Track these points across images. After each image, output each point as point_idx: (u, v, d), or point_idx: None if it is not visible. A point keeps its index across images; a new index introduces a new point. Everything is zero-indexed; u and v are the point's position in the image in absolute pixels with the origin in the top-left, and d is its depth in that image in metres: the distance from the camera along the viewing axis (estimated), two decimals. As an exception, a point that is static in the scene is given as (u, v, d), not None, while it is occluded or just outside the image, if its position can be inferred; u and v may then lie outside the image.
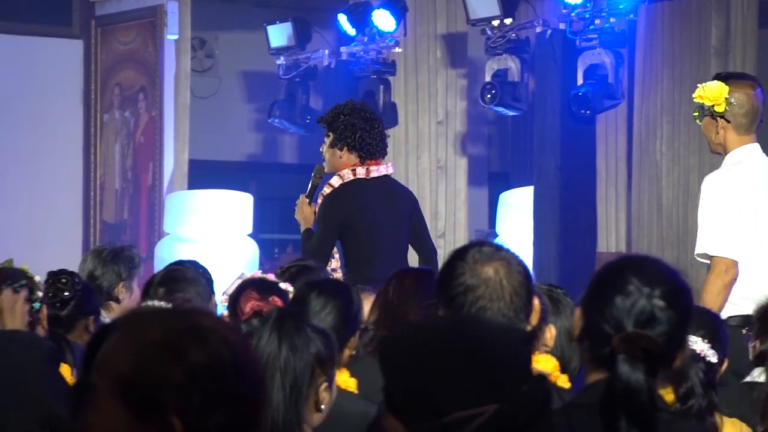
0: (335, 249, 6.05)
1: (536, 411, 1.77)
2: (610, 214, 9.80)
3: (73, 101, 9.80)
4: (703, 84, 4.90)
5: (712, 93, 4.82)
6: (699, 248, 4.84)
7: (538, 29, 8.05)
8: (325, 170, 6.21)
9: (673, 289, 2.26)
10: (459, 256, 2.62)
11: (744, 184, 4.84)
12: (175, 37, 9.06)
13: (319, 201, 6.11)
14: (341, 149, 6.08)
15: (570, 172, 7.95)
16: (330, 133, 6.12)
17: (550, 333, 3.12)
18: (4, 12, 9.74)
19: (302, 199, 6.21)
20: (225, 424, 1.64)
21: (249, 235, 8.67)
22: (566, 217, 7.91)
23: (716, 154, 5.08)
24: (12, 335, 2.55)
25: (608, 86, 7.72)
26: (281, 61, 9.26)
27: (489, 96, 8.08)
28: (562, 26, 7.89)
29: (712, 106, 4.83)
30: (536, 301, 2.61)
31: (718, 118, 4.83)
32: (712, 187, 4.84)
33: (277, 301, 3.53)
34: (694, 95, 4.93)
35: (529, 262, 7.75)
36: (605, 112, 8.34)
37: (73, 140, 9.77)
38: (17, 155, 9.58)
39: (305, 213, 6.16)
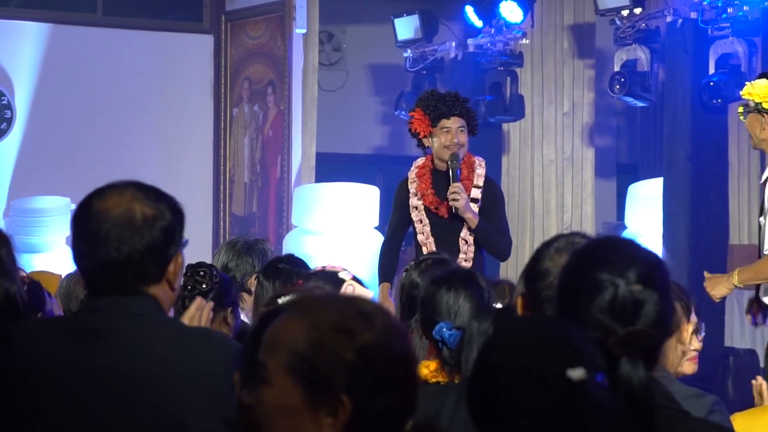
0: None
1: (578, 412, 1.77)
2: (743, 206, 9.61)
3: (203, 95, 9.95)
4: (752, 81, 5.03)
5: (762, 90, 4.95)
6: None
7: (669, 18, 7.93)
8: (461, 155, 6.07)
9: (644, 267, 2.11)
10: (547, 243, 2.54)
11: None
12: (303, 30, 9.14)
13: (483, 188, 6.00)
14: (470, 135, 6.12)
15: (701, 164, 7.82)
16: (470, 121, 6.10)
17: (686, 332, 3.06)
18: (137, 8, 9.94)
19: (461, 186, 5.96)
20: (392, 405, 1.70)
21: (375, 228, 8.71)
22: (697, 210, 7.78)
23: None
24: (208, 333, 2.62)
25: (741, 75, 7.56)
26: (408, 53, 9.28)
27: (618, 86, 7.99)
28: (693, 15, 7.76)
29: (761, 102, 4.95)
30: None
31: (765, 115, 4.96)
32: None
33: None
34: (742, 92, 5.08)
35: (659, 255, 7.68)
36: (738, 102, 8.18)
37: (203, 134, 9.93)
38: (148, 149, 9.77)
39: (464, 200, 5.95)
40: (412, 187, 6.12)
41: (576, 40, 9.54)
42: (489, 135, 8.98)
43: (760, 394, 3.62)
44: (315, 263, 4.66)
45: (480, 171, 6.04)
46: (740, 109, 5.08)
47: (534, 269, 2.49)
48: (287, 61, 9.29)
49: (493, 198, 6.05)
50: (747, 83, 5.03)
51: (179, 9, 10.22)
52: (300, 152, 9.23)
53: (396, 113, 9.43)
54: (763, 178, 5.07)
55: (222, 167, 9.86)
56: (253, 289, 4.64)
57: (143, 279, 2.47)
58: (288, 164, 9.31)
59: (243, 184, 9.73)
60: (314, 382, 1.69)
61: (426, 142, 6.07)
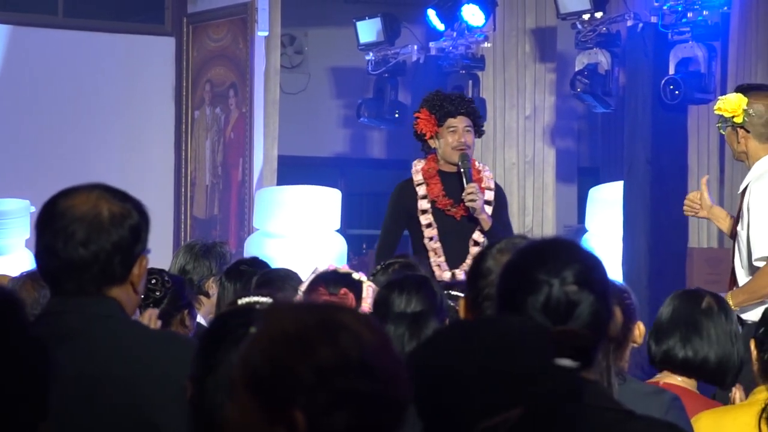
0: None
1: (556, 407, 1.76)
2: (702, 209, 9.67)
3: (164, 98, 9.92)
4: (724, 96, 5.14)
5: (731, 105, 5.03)
6: (762, 252, 4.91)
7: (629, 23, 7.98)
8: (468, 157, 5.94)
9: (581, 268, 2.11)
10: (490, 244, 2.59)
11: None
12: (266, 33, 9.13)
13: (489, 189, 5.90)
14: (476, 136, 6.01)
15: (661, 167, 7.87)
16: (477, 122, 5.96)
17: (639, 330, 3.08)
18: (98, 10, 9.90)
19: (477, 186, 5.83)
20: (351, 423, 1.64)
21: (337, 231, 8.71)
22: (657, 213, 7.83)
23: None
24: (174, 334, 2.63)
25: (701, 79, 7.63)
26: (370, 56, 9.28)
27: (580, 85, 8.03)
28: (653, 19, 7.81)
29: (732, 117, 5.03)
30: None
31: (739, 129, 5.03)
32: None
33: (348, 293, 3.49)
34: (715, 107, 5.16)
35: (619, 258, 7.72)
36: (697, 105, 8.24)
37: (165, 136, 9.90)
38: (109, 151, 9.73)
39: (481, 201, 5.83)
40: (420, 190, 5.90)
41: (538, 43, 9.58)
42: (451, 138, 8.99)
43: (734, 403, 3.68)
44: (277, 266, 4.67)
45: (488, 173, 5.97)
46: (718, 123, 5.16)
47: (476, 269, 2.52)
48: (249, 63, 9.27)
49: (500, 200, 5.98)
50: (719, 98, 5.14)
51: (141, 11, 10.19)
52: (262, 155, 9.21)
53: (359, 120, 9.45)
54: (742, 187, 5.12)
55: (183, 170, 9.83)
56: (210, 292, 4.65)
57: (109, 278, 2.47)
58: (250, 167, 9.30)
59: (204, 186, 9.70)
60: (269, 399, 1.65)
61: (432, 143, 5.89)
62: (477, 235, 5.89)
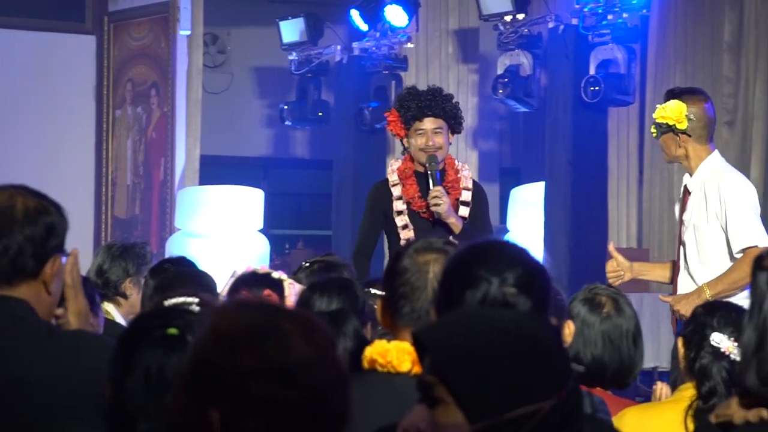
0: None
1: (577, 406, 1.75)
2: (622, 209, 9.79)
3: (85, 97, 9.82)
4: (663, 105, 5.16)
5: (674, 112, 5.09)
6: (744, 243, 5.02)
7: (551, 24, 8.05)
8: (438, 159, 5.62)
9: (523, 272, 2.12)
10: (408, 244, 2.57)
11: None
12: (188, 32, 9.07)
13: (473, 190, 5.67)
14: (451, 135, 5.68)
15: (581, 168, 7.95)
16: (447, 120, 5.62)
17: (569, 329, 3.08)
18: (17, 7, 9.76)
19: (442, 190, 5.56)
20: (265, 430, 1.62)
21: (260, 231, 8.68)
22: (577, 213, 7.91)
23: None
24: (88, 334, 2.58)
25: (620, 81, 7.72)
26: (293, 56, 9.27)
27: (501, 89, 8.08)
28: (574, 21, 7.89)
29: (675, 124, 5.10)
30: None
31: (680, 134, 5.11)
32: (742, 187, 5.14)
33: (271, 294, 3.47)
34: (654, 115, 5.19)
35: (540, 258, 7.78)
36: (617, 107, 8.34)
37: (85, 136, 9.79)
38: (29, 150, 9.60)
39: (447, 205, 5.55)
40: (395, 191, 5.66)
41: (460, 44, 9.63)
42: (375, 140, 9.01)
43: (660, 399, 3.69)
44: (200, 266, 4.64)
45: (466, 173, 5.71)
46: (653, 129, 5.22)
47: (393, 268, 2.52)
48: (171, 62, 9.21)
49: (480, 202, 5.73)
50: (658, 106, 5.20)
51: (61, 9, 10.06)
52: (184, 155, 9.15)
53: (282, 123, 9.44)
54: (691, 187, 5.23)
55: (104, 169, 9.73)
56: (128, 293, 4.62)
57: (19, 272, 2.44)
58: (171, 167, 9.23)
59: (126, 186, 9.62)
60: (192, 394, 1.65)
61: (405, 143, 5.66)
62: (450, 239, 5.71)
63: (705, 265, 5.12)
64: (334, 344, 1.69)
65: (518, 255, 2.15)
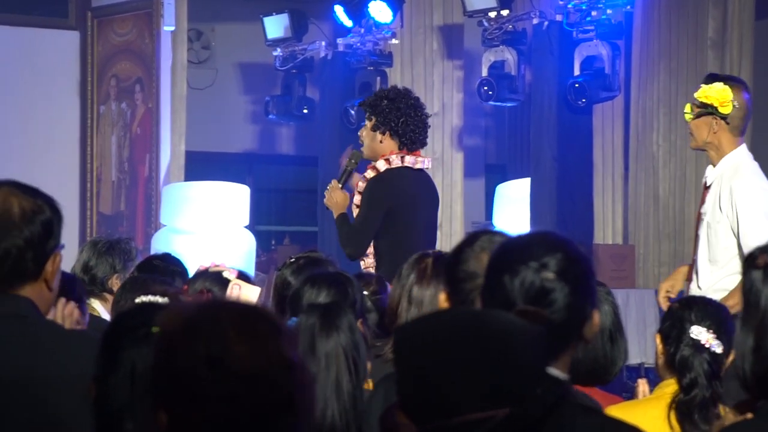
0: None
1: (545, 414, 1.74)
2: (607, 205, 9.81)
3: (69, 93, 9.79)
4: (708, 85, 4.91)
5: (721, 94, 4.85)
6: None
7: (535, 21, 8.06)
8: (364, 155, 5.81)
9: (563, 258, 2.12)
10: (468, 242, 2.56)
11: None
12: (172, 28, 9.05)
13: (361, 185, 5.73)
14: (383, 134, 5.72)
15: (567, 164, 7.96)
16: (372, 117, 5.74)
17: (596, 320, 3.04)
18: (0, 3, 9.72)
19: (334, 184, 5.79)
20: (209, 425, 1.64)
21: (245, 227, 8.67)
22: (563, 209, 7.92)
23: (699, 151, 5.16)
24: (86, 334, 2.59)
25: (605, 78, 7.73)
26: (278, 52, 9.26)
27: (485, 92, 8.10)
28: (559, 18, 7.90)
29: (718, 107, 4.86)
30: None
31: (717, 119, 4.88)
32: (754, 190, 4.92)
33: (204, 292, 3.54)
34: (697, 94, 4.93)
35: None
36: (602, 103, 8.35)
37: (70, 132, 9.76)
38: (13, 147, 9.57)
39: (338, 198, 5.75)
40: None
41: (445, 41, 9.63)
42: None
43: (644, 394, 3.69)
44: (186, 262, 4.65)
45: (369, 173, 5.74)
46: (688, 109, 4.98)
47: (459, 269, 2.49)
48: (155, 58, 9.19)
49: (363, 195, 5.75)
50: (702, 85, 4.93)
51: (44, 5, 10.03)
52: (169, 151, 9.14)
53: (267, 117, 9.42)
54: (709, 181, 4.97)
55: (89, 165, 9.71)
56: (114, 289, 4.61)
57: (21, 275, 2.43)
58: (156, 163, 9.21)
59: (111, 182, 9.60)
60: (153, 396, 1.68)
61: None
62: None
63: (714, 263, 5.01)
64: (277, 334, 1.69)
65: (560, 243, 2.16)
